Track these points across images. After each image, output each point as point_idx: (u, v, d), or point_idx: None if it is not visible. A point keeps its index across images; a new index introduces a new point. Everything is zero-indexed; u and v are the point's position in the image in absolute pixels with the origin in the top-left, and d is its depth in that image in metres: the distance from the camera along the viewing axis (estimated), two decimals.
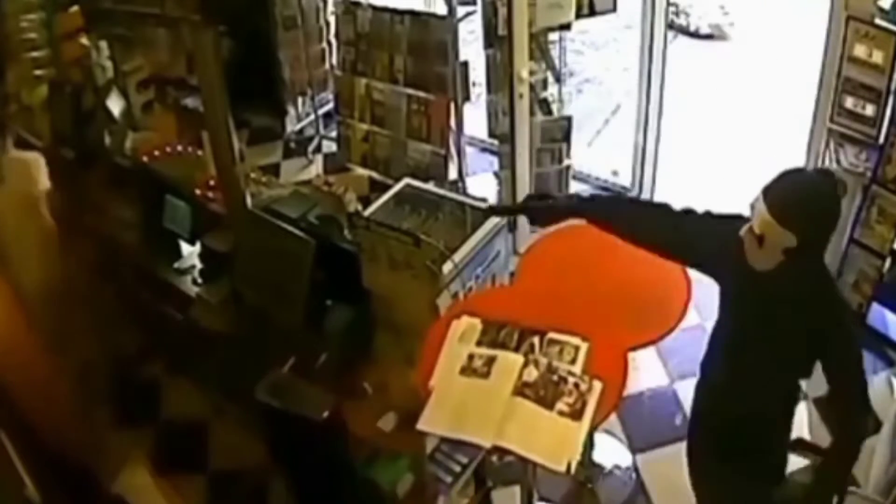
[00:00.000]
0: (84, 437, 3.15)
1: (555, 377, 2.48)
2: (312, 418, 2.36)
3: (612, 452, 3.45)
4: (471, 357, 2.56)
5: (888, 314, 3.76)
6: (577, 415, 2.39)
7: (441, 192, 3.77)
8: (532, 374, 2.49)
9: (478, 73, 4.72)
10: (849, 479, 2.58)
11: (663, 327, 2.73)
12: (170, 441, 3.61)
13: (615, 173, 5.02)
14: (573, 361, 2.52)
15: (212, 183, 3.54)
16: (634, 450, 3.47)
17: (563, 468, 2.30)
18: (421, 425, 2.46)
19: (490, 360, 2.54)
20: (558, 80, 4.39)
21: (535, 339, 2.59)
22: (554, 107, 4.43)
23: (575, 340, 2.57)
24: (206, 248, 3.59)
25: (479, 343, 2.62)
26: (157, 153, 3.87)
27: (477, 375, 2.52)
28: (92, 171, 3.92)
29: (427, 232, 3.30)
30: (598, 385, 2.44)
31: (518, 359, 2.54)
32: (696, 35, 6.65)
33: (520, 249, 4.19)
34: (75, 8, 3.99)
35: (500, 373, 2.51)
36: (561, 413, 2.40)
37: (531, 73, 4.10)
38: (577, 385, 2.45)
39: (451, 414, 2.44)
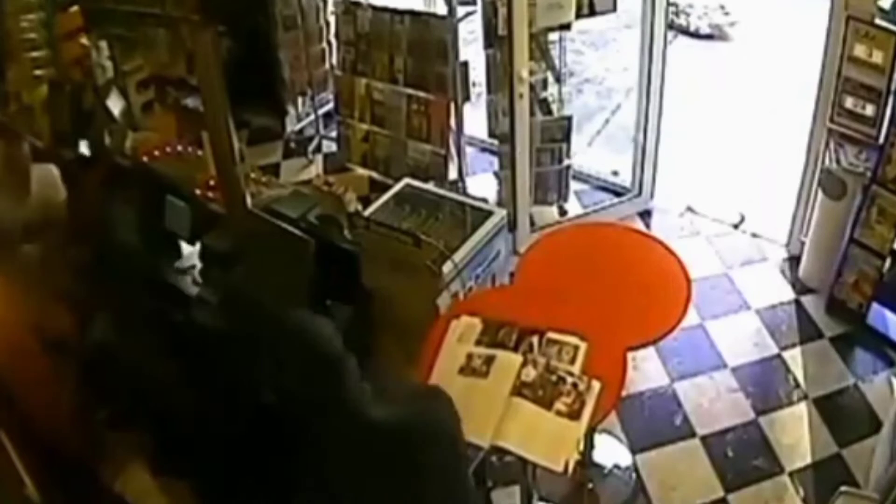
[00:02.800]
0: (84, 436, 3.14)
1: (553, 377, 2.47)
2: None
3: (612, 452, 3.45)
4: (469, 357, 2.56)
5: (888, 314, 3.76)
6: (575, 415, 2.39)
7: (441, 192, 3.77)
8: (531, 373, 2.49)
9: (478, 73, 4.71)
10: None
11: (663, 327, 2.73)
12: None
13: (615, 173, 5.01)
14: (572, 361, 2.52)
15: (212, 183, 3.54)
16: (634, 450, 3.47)
17: (560, 468, 2.30)
18: None
19: (489, 360, 2.54)
20: (558, 80, 4.40)
21: (534, 339, 2.59)
22: (554, 107, 4.43)
23: (574, 340, 2.57)
24: (206, 248, 3.59)
25: (478, 342, 2.62)
26: (157, 153, 3.86)
27: (476, 375, 2.52)
28: (92, 171, 3.91)
29: (427, 232, 3.31)
30: (596, 385, 2.44)
31: (517, 358, 2.54)
32: (696, 35, 6.65)
33: (520, 249, 4.20)
34: (75, 8, 3.99)
35: (498, 372, 2.51)
36: (559, 413, 2.40)
37: (531, 73, 4.10)
38: (575, 385, 2.45)
39: None
